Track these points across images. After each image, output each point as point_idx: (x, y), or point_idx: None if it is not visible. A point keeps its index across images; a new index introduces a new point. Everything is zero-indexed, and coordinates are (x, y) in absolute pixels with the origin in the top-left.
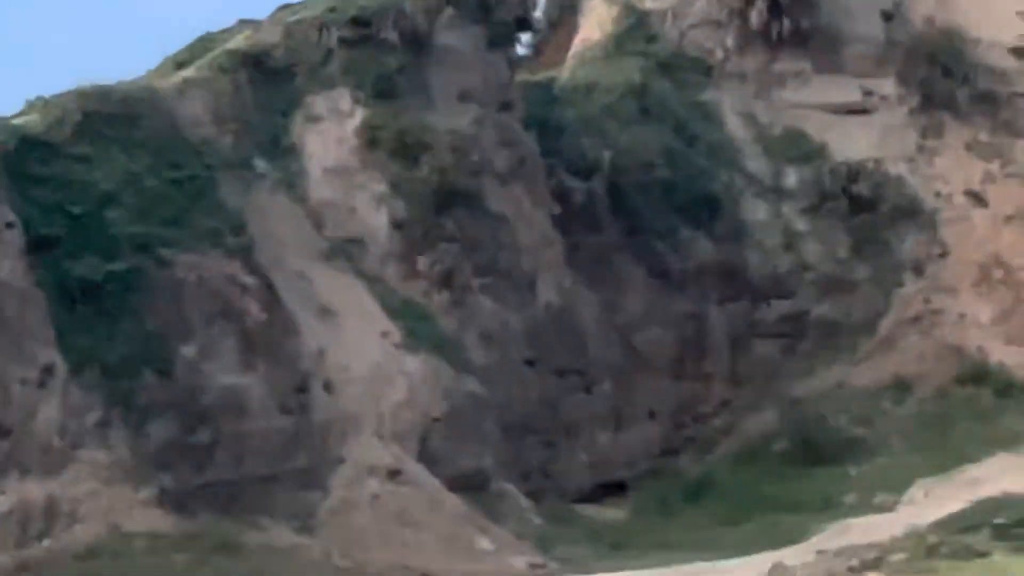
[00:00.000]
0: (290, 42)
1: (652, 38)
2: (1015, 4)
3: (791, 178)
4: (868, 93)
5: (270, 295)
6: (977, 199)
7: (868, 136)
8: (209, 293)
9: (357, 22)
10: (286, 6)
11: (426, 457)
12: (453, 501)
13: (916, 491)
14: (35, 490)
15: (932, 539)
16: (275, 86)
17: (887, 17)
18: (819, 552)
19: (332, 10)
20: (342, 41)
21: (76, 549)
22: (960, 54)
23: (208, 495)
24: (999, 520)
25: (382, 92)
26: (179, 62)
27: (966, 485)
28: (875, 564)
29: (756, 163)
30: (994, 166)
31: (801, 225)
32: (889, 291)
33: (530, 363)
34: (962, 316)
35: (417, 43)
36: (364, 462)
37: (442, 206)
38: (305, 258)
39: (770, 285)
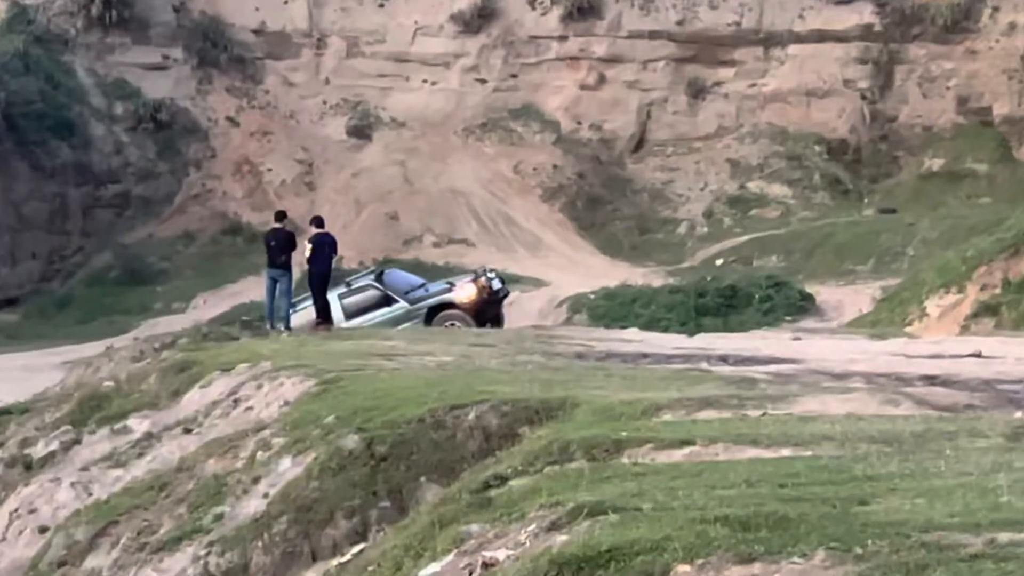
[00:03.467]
0: None
1: (30, 22)
2: (255, 2)
3: (119, 109)
4: (165, 56)
5: None
6: (233, 122)
7: (166, 83)
8: None
9: None
10: None
11: None
12: None
13: (198, 300)
14: None
15: (205, 329)
16: None
17: (176, 10)
18: (135, 339)
19: None
20: None
21: None
22: (222, 32)
23: None
24: (245, 317)
25: None
26: None
27: (229, 296)
28: (170, 345)
29: (97, 100)
30: (243, 102)
31: (125, 138)
32: (180, 179)
33: None
34: (225, 193)
35: None
36: None
37: None
38: None
39: (107, 175)
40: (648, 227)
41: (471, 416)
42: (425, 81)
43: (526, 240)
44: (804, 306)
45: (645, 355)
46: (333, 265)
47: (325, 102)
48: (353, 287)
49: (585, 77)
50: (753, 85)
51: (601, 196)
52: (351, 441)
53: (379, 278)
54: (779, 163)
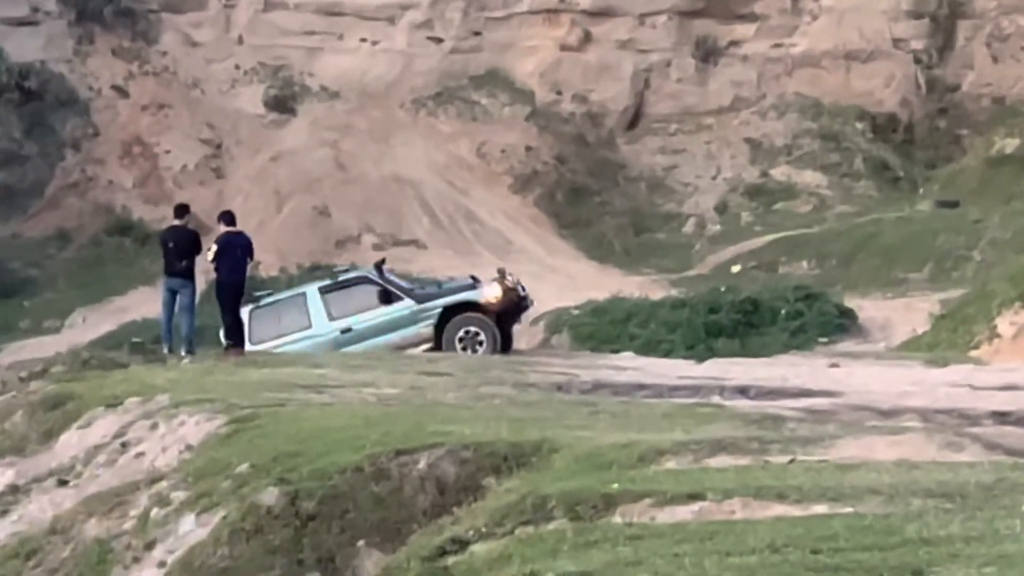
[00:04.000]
0: None
1: None
2: None
3: None
4: (35, 9)
5: None
6: (121, 92)
7: (35, 42)
8: None
9: None
10: None
11: None
12: None
13: (76, 317)
14: None
15: (85, 354)
16: None
17: None
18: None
19: None
20: None
21: None
22: None
23: None
24: (136, 339)
25: None
26: None
27: (114, 312)
28: (40, 374)
29: None
30: (134, 66)
31: None
32: (53, 163)
33: None
34: (111, 182)
35: None
36: None
37: None
38: None
39: None
40: (646, 225)
41: (422, 464)
42: (364, 40)
43: (492, 241)
44: (843, 324)
45: (642, 386)
46: (248, 272)
47: (237, 67)
48: (340, 279)
49: (566, 35)
50: (779, 45)
51: (586, 186)
52: (270, 496)
53: (378, 268)
54: (811, 144)
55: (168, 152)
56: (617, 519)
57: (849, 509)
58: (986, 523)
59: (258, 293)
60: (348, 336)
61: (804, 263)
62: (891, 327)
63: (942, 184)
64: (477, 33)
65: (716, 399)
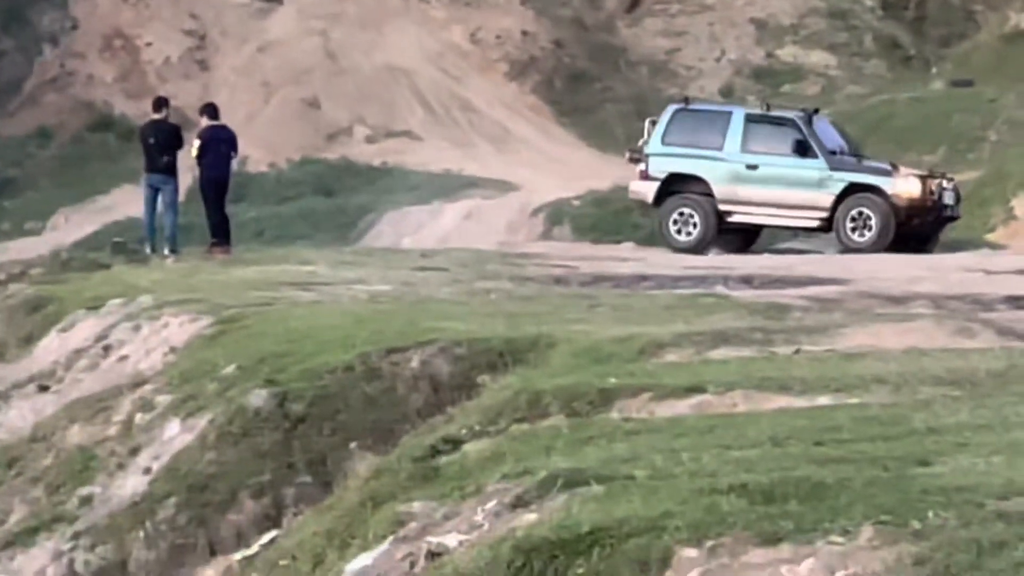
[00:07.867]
0: None
1: None
2: None
3: None
4: None
5: None
6: None
7: None
8: None
9: None
10: None
11: None
12: None
13: (59, 218)
14: None
15: (65, 255)
16: None
17: None
18: None
19: None
20: None
21: None
22: None
23: None
24: (118, 239)
25: None
26: None
27: (98, 212)
28: (19, 277)
29: None
30: None
31: None
32: (32, 58)
33: None
34: (91, 77)
35: None
36: None
37: None
38: None
39: None
40: (649, 110)
41: (414, 362)
42: None
43: (489, 131)
44: None
45: (644, 278)
46: (234, 168)
47: None
48: (771, 114)
49: None
50: None
51: (586, 71)
52: (258, 398)
53: (809, 117)
54: (818, 22)
55: (150, 44)
56: (614, 414)
57: (854, 400)
58: (995, 411)
59: (690, 97)
60: (750, 174)
61: None
62: None
63: (956, 62)
64: None
65: (720, 289)
